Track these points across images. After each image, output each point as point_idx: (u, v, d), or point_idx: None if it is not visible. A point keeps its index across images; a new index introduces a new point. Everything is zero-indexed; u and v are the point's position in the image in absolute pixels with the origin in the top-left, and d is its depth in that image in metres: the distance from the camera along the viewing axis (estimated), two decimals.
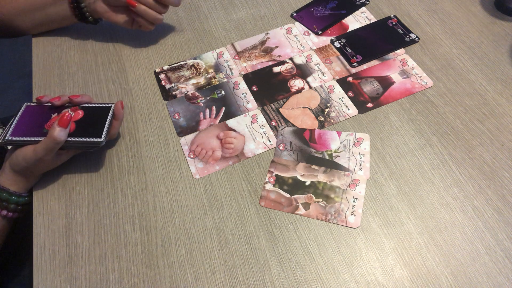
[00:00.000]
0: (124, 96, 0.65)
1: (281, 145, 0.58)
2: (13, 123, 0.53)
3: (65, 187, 0.56)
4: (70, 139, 0.52)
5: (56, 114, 0.55)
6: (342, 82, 0.65)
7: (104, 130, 0.53)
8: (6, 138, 0.52)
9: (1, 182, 0.53)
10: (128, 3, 0.63)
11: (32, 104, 0.56)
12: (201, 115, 0.62)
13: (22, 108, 0.56)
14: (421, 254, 0.49)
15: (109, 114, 0.55)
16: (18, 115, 0.55)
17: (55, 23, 0.69)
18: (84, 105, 0.56)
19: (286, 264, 0.49)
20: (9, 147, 0.54)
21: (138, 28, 0.68)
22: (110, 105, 0.56)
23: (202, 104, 0.63)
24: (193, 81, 0.66)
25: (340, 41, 0.70)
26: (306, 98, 0.63)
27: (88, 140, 0.52)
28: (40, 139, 0.51)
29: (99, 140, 0.52)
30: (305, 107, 0.62)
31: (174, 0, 0.64)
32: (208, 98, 0.64)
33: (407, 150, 0.57)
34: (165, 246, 0.51)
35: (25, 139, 0.52)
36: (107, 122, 0.54)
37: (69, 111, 0.52)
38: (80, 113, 0.54)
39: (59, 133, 0.49)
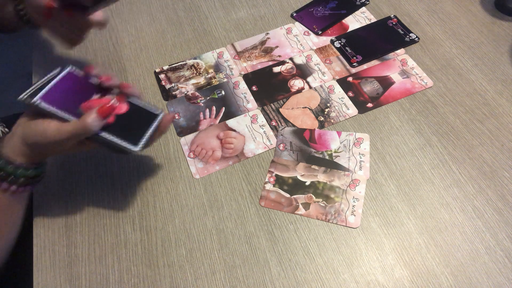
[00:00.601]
0: None
1: (281, 145, 0.58)
2: (48, 86, 0.44)
3: (65, 187, 0.56)
4: (102, 134, 0.44)
5: (98, 96, 0.46)
6: (342, 82, 0.65)
7: (144, 138, 0.45)
8: (35, 100, 0.42)
9: (5, 152, 0.45)
10: (43, 15, 0.55)
11: (76, 71, 0.47)
12: (201, 115, 0.62)
13: (64, 71, 0.46)
14: (421, 254, 0.49)
15: (155, 123, 0.47)
16: (56, 79, 0.45)
17: (8, 27, 0.63)
18: (131, 100, 0.48)
19: (286, 264, 0.49)
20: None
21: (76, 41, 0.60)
22: (159, 112, 0.48)
23: (202, 104, 0.63)
24: (193, 81, 0.66)
25: (340, 41, 0.70)
26: (306, 98, 0.63)
27: (122, 144, 0.44)
28: (71, 118, 0.43)
29: (134, 148, 0.44)
30: (305, 107, 0.62)
31: (96, 22, 0.56)
32: (208, 98, 0.64)
33: (407, 150, 0.57)
34: (165, 246, 0.51)
35: (55, 110, 0.43)
36: (150, 130, 0.46)
37: (114, 100, 0.45)
38: (124, 108, 0.46)
39: (93, 122, 0.42)
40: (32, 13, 0.58)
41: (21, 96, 0.42)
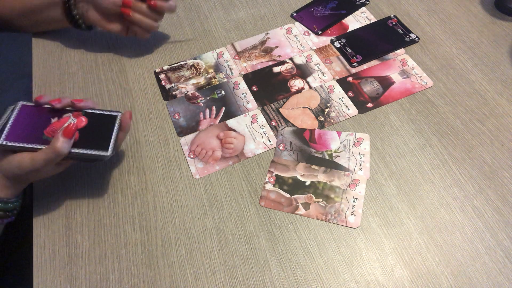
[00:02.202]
0: (124, 96, 0.65)
1: (281, 145, 0.58)
2: (8, 125, 0.47)
3: (65, 187, 0.56)
4: (73, 151, 0.47)
5: (56, 118, 0.49)
6: (342, 82, 0.65)
7: (111, 143, 0.48)
8: (0, 141, 0.45)
9: None
10: (123, 12, 0.61)
11: (28, 104, 0.50)
12: (201, 115, 0.62)
13: (17, 108, 0.49)
14: (421, 254, 0.49)
15: (116, 124, 0.50)
16: (13, 116, 0.48)
17: (52, 25, 0.69)
18: (87, 111, 0.50)
19: (286, 264, 0.49)
20: None
21: (133, 35, 0.66)
22: (116, 114, 0.51)
23: (202, 104, 0.63)
24: (193, 81, 0.66)
25: (340, 41, 0.70)
26: (306, 98, 0.63)
27: (93, 153, 0.47)
28: (40, 147, 0.46)
29: (105, 154, 0.47)
30: (305, 107, 0.62)
31: (169, 7, 0.63)
32: (208, 98, 0.64)
33: (407, 150, 0.57)
34: (165, 246, 0.51)
35: (22, 145, 0.46)
36: (113, 133, 0.49)
37: (72, 118, 0.48)
38: (84, 120, 0.49)
39: (62, 145, 0.45)
40: (92, 16, 0.64)
41: None
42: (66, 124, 0.46)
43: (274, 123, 0.61)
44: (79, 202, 0.54)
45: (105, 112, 0.51)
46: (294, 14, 0.75)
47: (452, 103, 0.62)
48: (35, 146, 0.46)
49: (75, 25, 0.65)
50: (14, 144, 0.46)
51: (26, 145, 0.46)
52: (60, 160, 0.47)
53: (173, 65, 0.69)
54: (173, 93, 0.65)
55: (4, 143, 0.45)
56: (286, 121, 0.61)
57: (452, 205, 0.52)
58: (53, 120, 0.49)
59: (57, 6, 0.63)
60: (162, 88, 0.66)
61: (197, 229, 0.52)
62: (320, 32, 0.72)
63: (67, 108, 0.50)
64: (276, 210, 0.53)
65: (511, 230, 0.50)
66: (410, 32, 0.71)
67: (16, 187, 0.49)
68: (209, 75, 0.67)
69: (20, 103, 0.49)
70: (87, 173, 0.57)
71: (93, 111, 0.51)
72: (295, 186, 0.54)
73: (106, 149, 0.48)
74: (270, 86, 0.65)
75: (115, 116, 0.51)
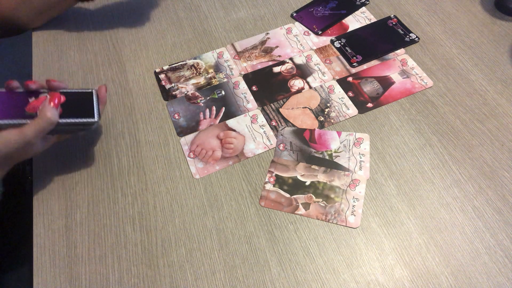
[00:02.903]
0: (124, 96, 0.65)
1: (281, 145, 0.58)
2: None
3: (65, 187, 0.56)
4: (62, 121, 0.48)
5: (33, 98, 0.49)
6: (342, 82, 0.65)
7: (95, 111, 0.50)
8: None
9: None
10: None
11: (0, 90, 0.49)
12: (201, 115, 0.62)
13: None
14: (421, 254, 0.49)
15: (94, 97, 0.52)
16: None
17: (55, 8, 0.69)
18: (63, 91, 0.51)
19: (286, 264, 0.49)
20: None
21: None
22: (90, 90, 0.53)
23: (202, 104, 0.63)
24: (193, 81, 0.66)
25: (340, 41, 0.70)
26: (306, 98, 0.63)
27: (81, 121, 0.49)
28: (25, 121, 0.46)
29: (93, 120, 0.50)
30: (305, 107, 0.62)
31: None
32: (208, 98, 0.64)
33: (407, 150, 0.57)
34: (165, 246, 0.51)
35: (7, 121, 0.45)
36: (95, 103, 0.51)
37: (49, 95, 0.48)
38: (62, 98, 0.49)
39: (52, 111, 0.45)
40: None
41: None
42: (49, 97, 0.47)
43: (274, 123, 0.61)
44: (79, 202, 0.54)
45: (80, 90, 0.52)
46: (294, 14, 0.75)
47: (452, 103, 0.62)
48: (21, 121, 0.46)
49: None
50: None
51: (11, 121, 0.46)
52: (48, 131, 0.46)
53: (173, 65, 0.69)
54: (173, 93, 0.65)
55: None
56: (286, 121, 0.61)
57: (452, 205, 0.52)
58: (31, 100, 0.49)
59: None
60: (162, 88, 0.66)
61: (197, 229, 0.52)
62: (320, 32, 0.72)
63: (42, 90, 0.50)
64: (276, 210, 0.53)
65: (511, 230, 0.50)
66: (410, 32, 0.71)
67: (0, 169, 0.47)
68: (209, 75, 0.67)
69: None
70: (87, 173, 0.57)
71: (68, 91, 0.51)
72: (295, 186, 0.54)
73: (93, 116, 0.50)
74: (270, 86, 0.65)
75: (91, 92, 0.52)
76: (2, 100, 0.48)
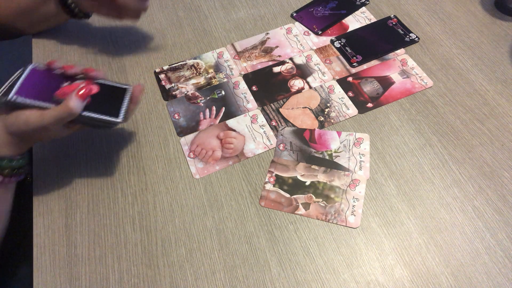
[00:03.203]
0: None
1: (281, 145, 0.58)
2: (18, 83, 0.46)
3: (65, 187, 0.56)
4: (85, 114, 0.47)
5: (67, 83, 0.49)
6: (342, 82, 0.65)
7: (123, 110, 0.49)
8: (11, 96, 0.44)
9: None
10: None
11: (38, 67, 0.49)
12: (201, 115, 0.62)
13: (28, 69, 0.48)
14: (421, 254, 0.49)
15: (127, 96, 0.51)
16: (23, 76, 0.47)
17: (51, 21, 0.69)
18: (99, 81, 0.50)
19: (286, 264, 0.49)
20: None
21: (127, 19, 0.64)
22: (127, 86, 0.52)
23: (202, 104, 0.63)
24: (193, 81, 0.66)
25: (340, 41, 0.70)
26: (306, 98, 0.63)
27: (105, 118, 0.48)
28: (50, 105, 0.46)
29: (116, 120, 0.48)
30: (305, 107, 0.62)
31: None
32: (208, 98, 0.64)
33: (407, 150, 0.57)
34: (165, 246, 0.51)
35: (33, 102, 0.45)
36: (125, 102, 0.50)
37: (85, 83, 0.47)
38: (95, 89, 0.48)
39: (76, 103, 0.45)
40: (86, 2, 0.63)
41: None
42: (80, 86, 0.46)
43: (274, 123, 0.61)
44: (79, 202, 0.54)
45: (116, 84, 0.51)
46: (294, 14, 0.75)
47: (452, 103, 0.62)
48: (46, 105, 0.46)
49: (72, 14, 0.65)
50: (24, 100, 0.45)
51: (36, 103, 0.46)
52: (69, 121, 0.47)
53: (173, 65, 0.69)
54: (173, 93, 0.65)
55: (14, 97, 0.45)
56: (286, 121, 0.61)
57: (452, 205, 0.52)
58: (64, 85, 0.49)
59: (51, 0, 0.63)
60: (162, 88, 0.66)
61: (197, 229, 0.52)
62: (320, 32, 0.72)
63: (79, 77, 0.50)
64: (276, 210, 0.53)
65: (511, 230, 0.50)
66: (410, 32, 0.71)
67: (20, 145, 0.49)
68: (209, 75, 0.67)
69: (31, 66, 0.49)
70: (87, 173, 0.57)
71: (104, 82, 0.51)
72: (295, 186, 0.54)
73: (117, 116, 0.48)
74: (270, 86, 0.65)
75: (126, 89, 0.51)
76: (37, 79, 0.48)
